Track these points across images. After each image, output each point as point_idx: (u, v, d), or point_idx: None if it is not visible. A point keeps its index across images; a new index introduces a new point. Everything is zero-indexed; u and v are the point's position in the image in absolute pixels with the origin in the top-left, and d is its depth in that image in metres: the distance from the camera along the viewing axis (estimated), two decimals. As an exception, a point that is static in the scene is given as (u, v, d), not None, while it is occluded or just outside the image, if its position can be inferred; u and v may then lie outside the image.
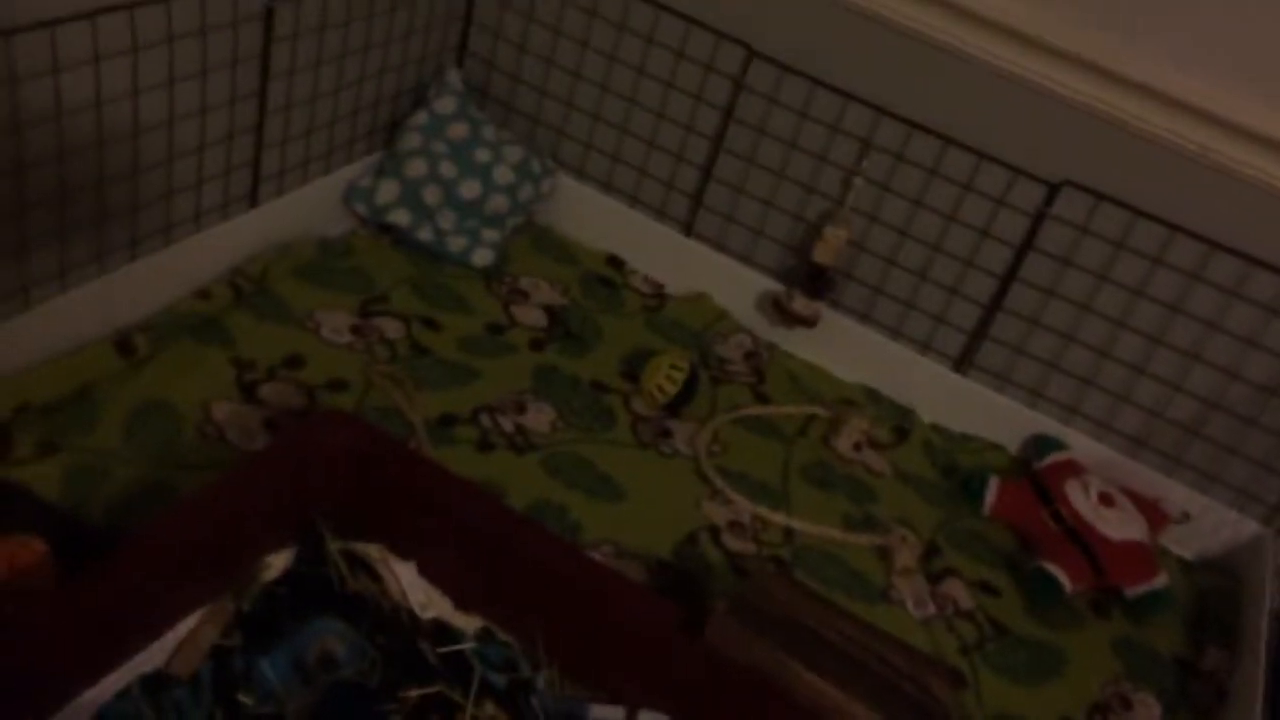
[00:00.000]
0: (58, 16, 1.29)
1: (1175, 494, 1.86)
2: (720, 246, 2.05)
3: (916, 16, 1.72)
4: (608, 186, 2.10)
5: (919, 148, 1.82)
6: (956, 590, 1.66)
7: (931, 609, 1.61)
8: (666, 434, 1.77)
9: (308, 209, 1.88)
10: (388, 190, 1.95)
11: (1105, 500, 1.77)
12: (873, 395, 2.00)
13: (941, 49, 1.73)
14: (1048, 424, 1.92)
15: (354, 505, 1.30)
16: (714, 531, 1.62)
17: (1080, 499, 1.76)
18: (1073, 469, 1.83)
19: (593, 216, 2.12)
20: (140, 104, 1.46)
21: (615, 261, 2.12)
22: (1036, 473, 1.85)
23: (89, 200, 1.46)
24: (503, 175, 2.00)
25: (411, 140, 1.96)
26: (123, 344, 1.56)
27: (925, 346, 1.96)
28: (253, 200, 1.77)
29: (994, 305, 1.88)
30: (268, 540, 1.28)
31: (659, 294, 2.09)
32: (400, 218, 1.96)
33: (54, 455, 1.40)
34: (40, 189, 1.39)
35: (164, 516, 1.22)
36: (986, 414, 1.95)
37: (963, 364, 1.95)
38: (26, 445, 1.40)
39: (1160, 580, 1.72)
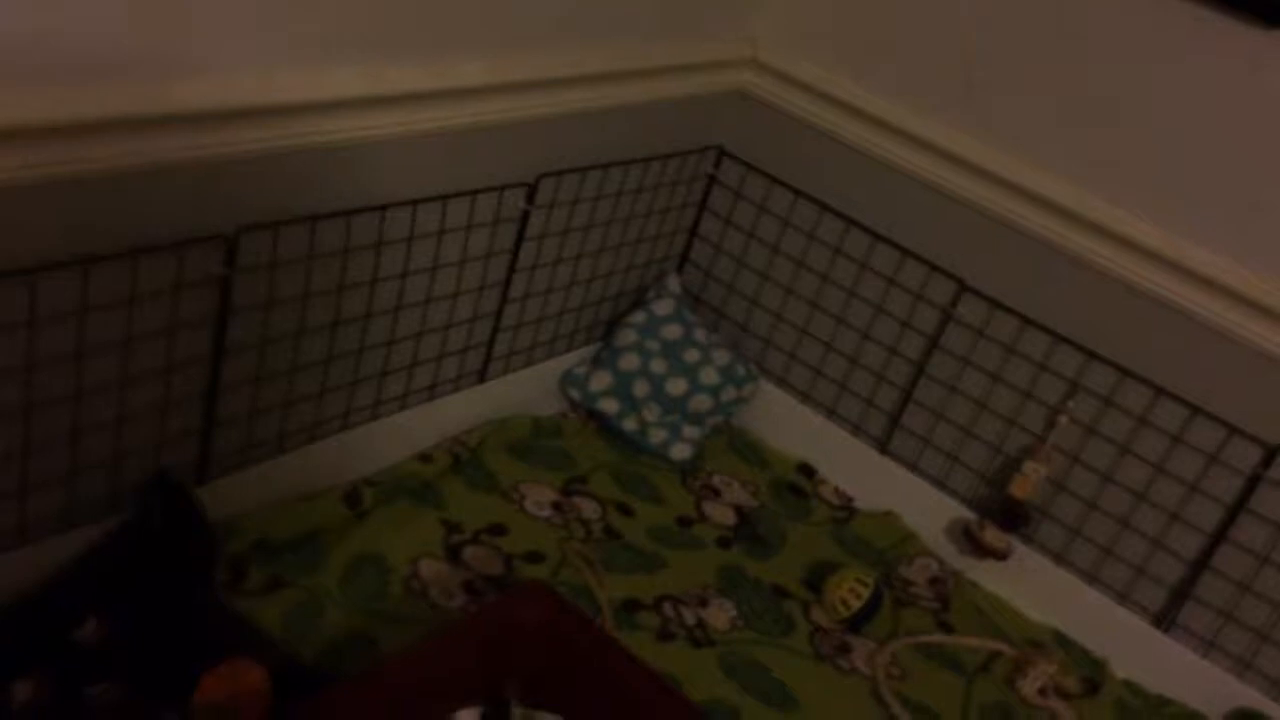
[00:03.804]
0: (353, 207, 1.49)
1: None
2: (914, 467, 2.07)
3: (1132, 267, 1.76)
4: (807, 397, 2.17)
5: (1129, 394, 1.82)
6: None
7: None
8: (845, 649, 1.76)
9: (527, 389, 2.02)
10: (600, 379, 2.08)
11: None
12: (1062, 640, 1.93)
13: (1158, 301, 1.75)
14: (1256, 698, 1.79)
15: (542, 675, 1.36)
16: (886, 759, 1.58)
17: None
18: (1283, 751, 1.70)
19: (790, 424, 2.18)
20: (406, 285, 1.65)
21: (807, 470, 2.16)
22: (1241, 749, 1.73)
23: (348, 364, 1.64)
24: (708, 376, 2.10)
25: (628, 336, 2.10)
26: (351, 496, 1.70)
27: (1123, 596, 1.89)
28: (481, 377, 1.92)
29: (1201, 563, 1.81)
30: (457, 697, 1.34)
31: (848, 507, 2.11)
32: (609, 406, 2.08)
33: (279, 591, 1.53)
34: (311, 352, 1.57)
35: (372, 670, 1.31)
36: (1187, 677, 1.85)
37: (1164, 620, 1.86)
38: (257, 579, 1.53)
39: None
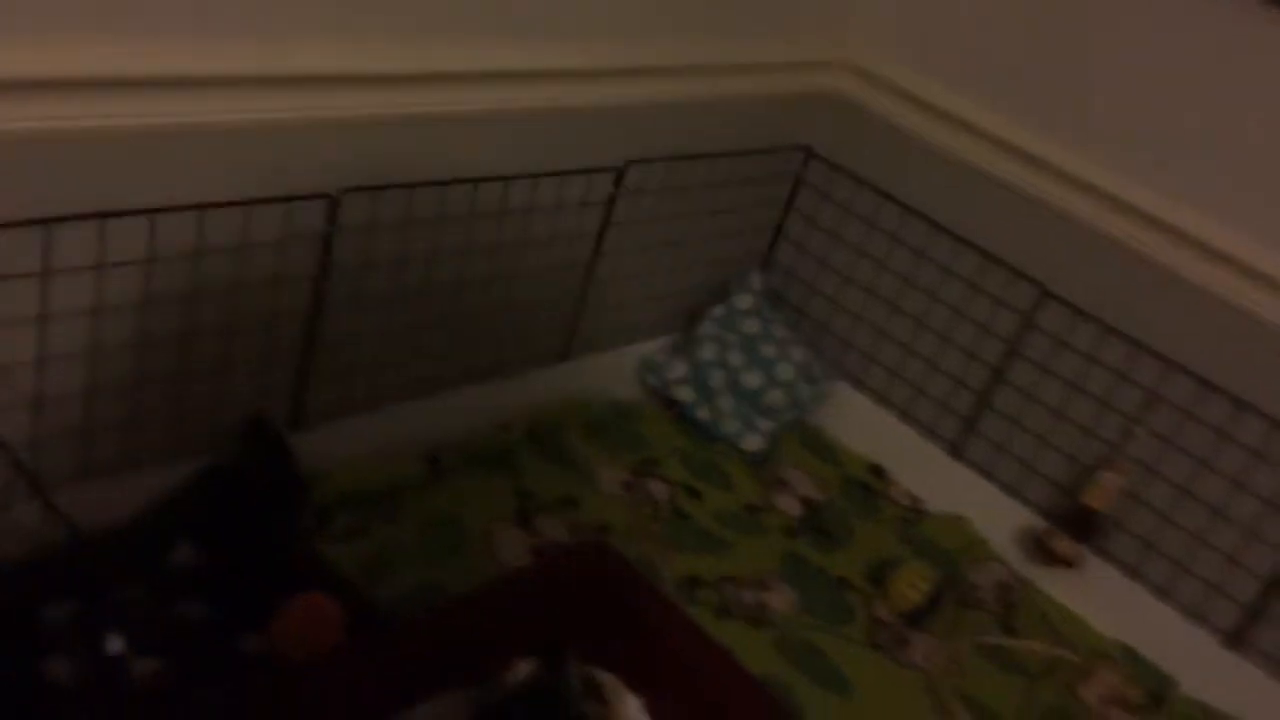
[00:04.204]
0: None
1: None
2: (987, 473, 2.07)
3: (1219, 278, 1.74)
4: (882, 398, 2.18)
5: (1210, 406, 1.79)
6: None
7: None
8: (904, 642, 1.77)
9: (606, 372, 2.08)
10: (678, 368, 2.13)
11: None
12: (1129, 653, 1.90)
13: (1242, 313, 1.73)
14: (1330, 725, 1.75)
15: (600, 632, 1.41)
16: (938, 750, 1.59)
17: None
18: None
19: (863, 424, 2.20)
20: (495, 259, 1.73)
21: (878, 470, 2.18)
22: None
23: (437, 331, 1.72)
24: (784, 372, 2.13)
25: (708, 328, 2.15)
26: (432, 458, 1.78)
27: (1196, 614, 1.86)
28: (563, 356, 1.99)
29: (1277, 582, 1.77)
30: (516, 646, 1.40)
31: (917, 509, 2.11)
32: (684, 394, 2.12)
33: (359, 539, 1.61)
34: (403, 315, 1.65)
35: (433, 610, 1.37)
36: (1260, 700, 1.81)
37: (1238, 641, 1.83)
38: (340, 526, 1.62)
39: None
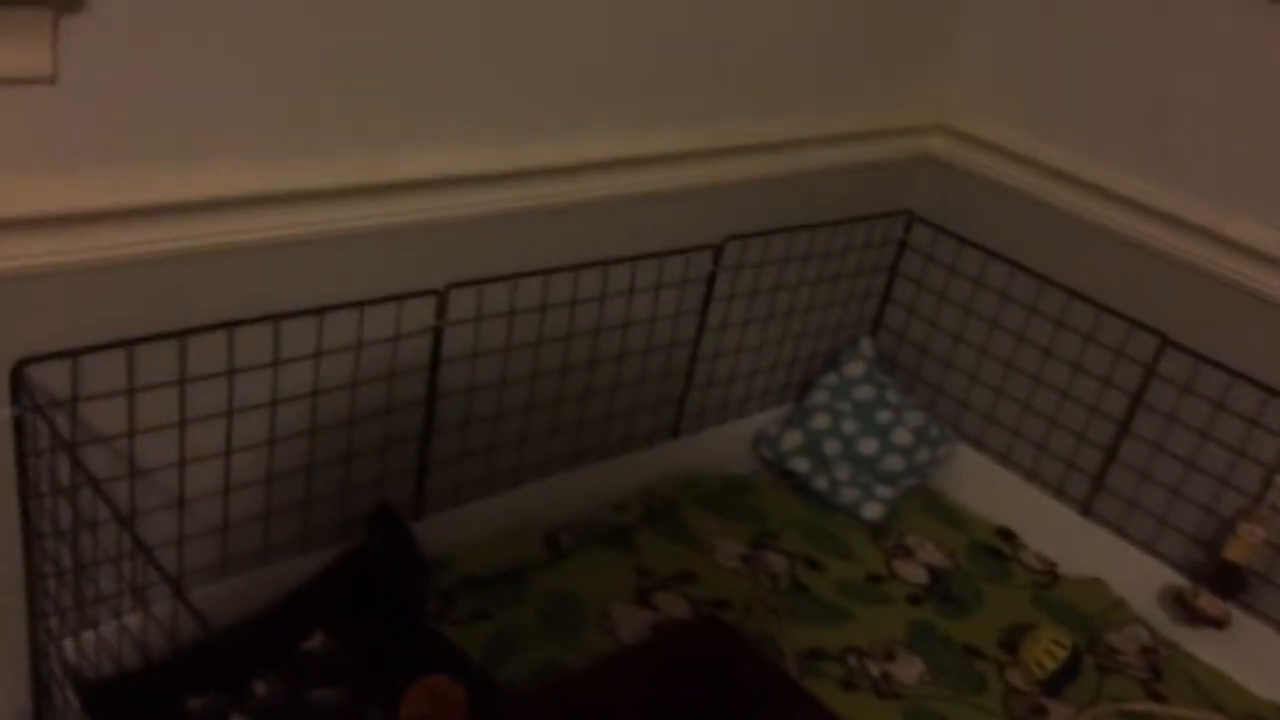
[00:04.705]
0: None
1: None
2: (1121, 531, 1.99)
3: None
4: (1005, 459, 2.13)
5: (1355, 450, 1.70)
6: None
7: None
8: (1041, 712, 1.70)
9: (719, 447, 2.10)
10: (792, 439, 2.13)
11: None
12: (1292, 718, 1.78)
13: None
14: None
15: (714, 707, 1.41)
16: (1083, 825, 1.51)
17: None
18: None
19: (988, 487, 2.15)
20: (599, 341, 1.78)
21: (1006, 534, 2.12)
22: None
23: (547, 414, 1.78)
24: (901, 437, 2.11)
25: (820, 397, 2.15)
26: (551, 539, 1.82)
27: (1362, 673, 1.74)
28: (674, 433, 2.02)
29: None
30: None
31: (1051, 572, 2.04)
32: (800, 465, 2.12)
33: (482, 622, 1.65)
34: (514, 401, 1.71)
35: (548, 687, 1.40)
36: None
37: None
38: (463, 609, 1.67)
39: None
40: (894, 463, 2.10)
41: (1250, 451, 1.81)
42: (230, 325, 1.34)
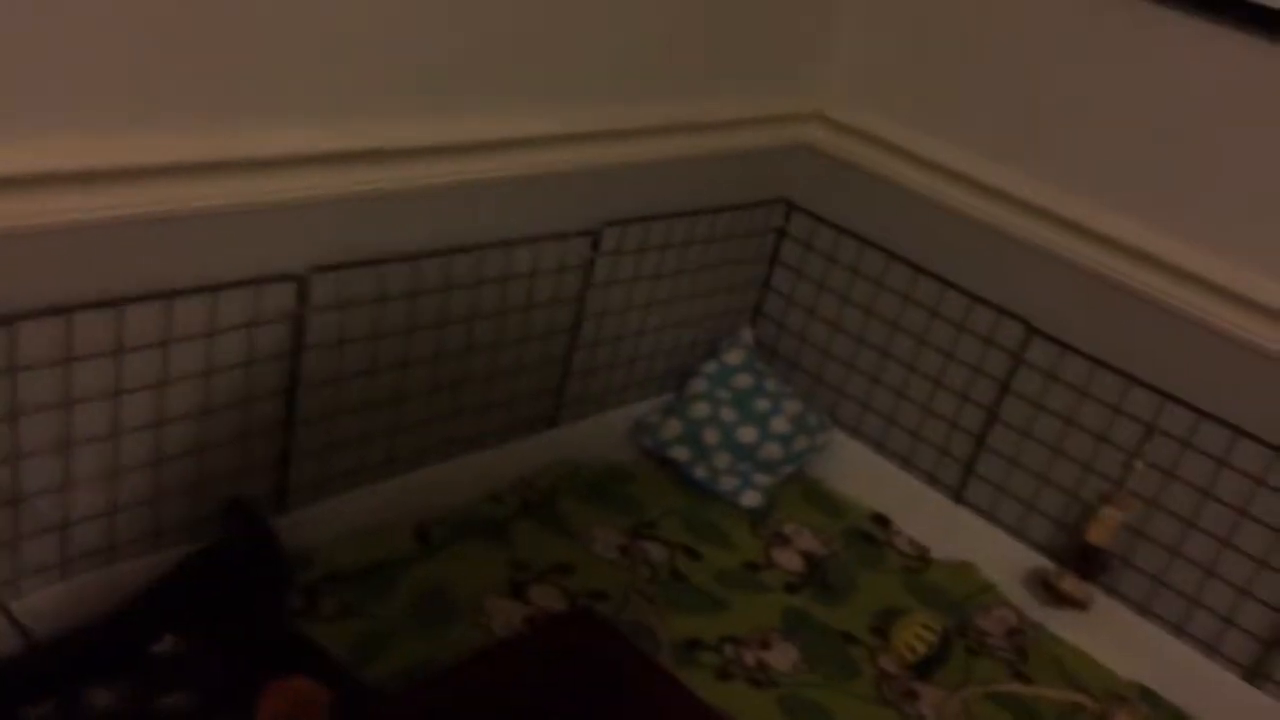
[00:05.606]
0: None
1: None
2: (991, 517, 2.03)
3: (1202, 305, 1.72)
4: (881, 446, 2.16)
5: (1208, 436, 1.76)
6: None
7: None
8: (912, 695, 1.72)
9: (598, 436, 2.07)
10: (671, 428, 2.11)
11: None
12: (1148, 695, 1.84)
13: (1231, 340, 1.71)
14: (1361, 759, 1.69)
15: (587, 701, 1.38)
16: (950, 806, 1.54)
17: None
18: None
19: (863, 474, 2.17)
20: (473, 329, 1.73)
21: (881, 520, 2.14)
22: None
23: (419, 404, 1.72)
24: (779, 425, 2.11)
25: (699, 385, 2.14)
26: (421, 532, 1.77)
27: (1212, 649, 1.81)
28: (552, 422, 1.98)
29: (1293, 612, 1.72)
30: (503, 715, 1.37)
31: (923, 557, 2.08)
32: (679, 454, 2.10)
33: (349, 619, 1.59)
34: (383, 390, 1.65)
35: (419, 684, 1.35)
36: (1285, 736, 1.75)
37: (1257, 675, 1.77)
38: (329, 606, 1.60)
39: None
40: (772, 451, 2.10)
41: (1112, 437, 1.86)
42: (66, 311, 1.25)
